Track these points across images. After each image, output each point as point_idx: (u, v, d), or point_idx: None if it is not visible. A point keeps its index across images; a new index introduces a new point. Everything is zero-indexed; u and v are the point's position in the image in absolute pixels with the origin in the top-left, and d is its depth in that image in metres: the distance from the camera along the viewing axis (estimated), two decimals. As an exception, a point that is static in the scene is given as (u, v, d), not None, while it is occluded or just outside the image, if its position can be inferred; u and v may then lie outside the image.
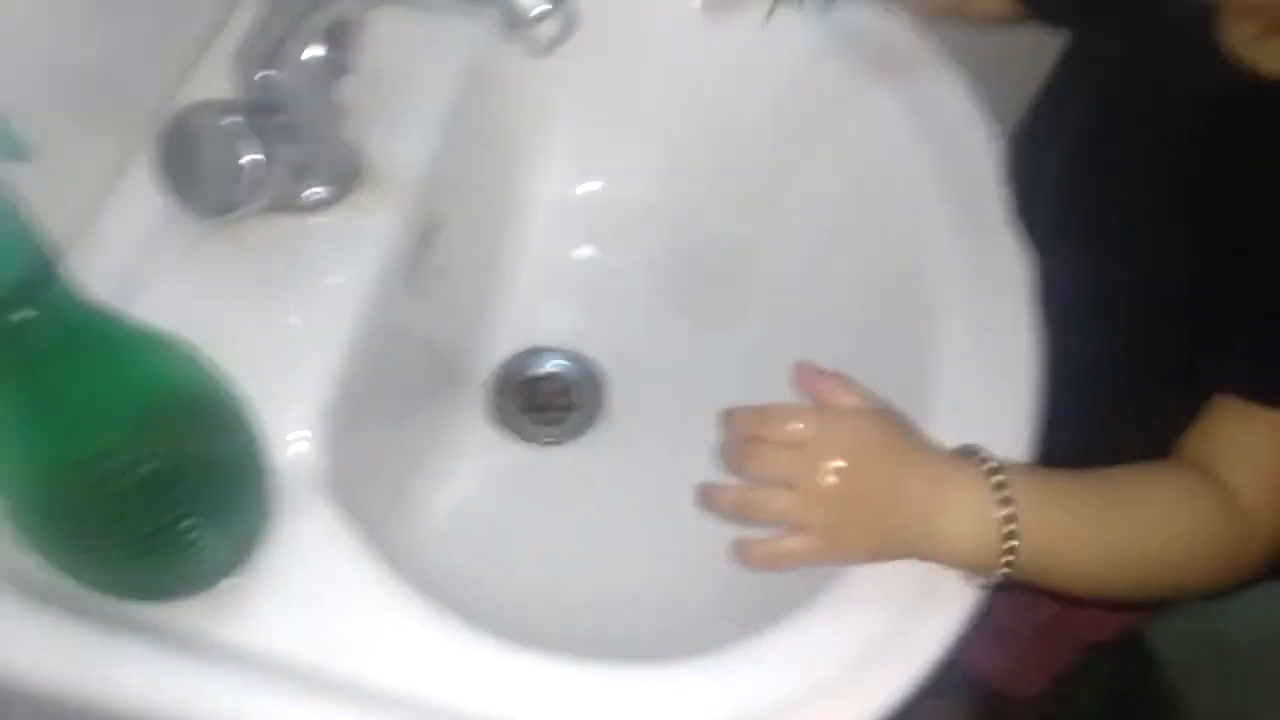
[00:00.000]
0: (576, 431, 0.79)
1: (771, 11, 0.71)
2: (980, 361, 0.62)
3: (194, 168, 0.57)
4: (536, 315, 0.83)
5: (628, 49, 0.81)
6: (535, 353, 0.82)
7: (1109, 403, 0.65)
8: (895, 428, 0.54)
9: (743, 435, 0.53)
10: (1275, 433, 0.54)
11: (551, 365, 0.82)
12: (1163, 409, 0.59)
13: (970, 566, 0.53)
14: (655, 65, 0.82)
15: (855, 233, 0.78)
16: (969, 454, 0.54)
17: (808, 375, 0.54)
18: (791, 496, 0.52)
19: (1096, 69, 0.67)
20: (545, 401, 0.80)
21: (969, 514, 0.52)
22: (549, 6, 0.53)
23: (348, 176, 0.67)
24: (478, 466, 0.77)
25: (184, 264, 0.61)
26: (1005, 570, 0.52)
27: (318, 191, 0.65)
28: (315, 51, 0.62)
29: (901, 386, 0.58)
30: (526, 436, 0.78)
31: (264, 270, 0.62)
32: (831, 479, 0.51)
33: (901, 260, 0.73)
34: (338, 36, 0.63)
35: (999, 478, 0.52)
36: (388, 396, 0.68)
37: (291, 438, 0.56)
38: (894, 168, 0.75)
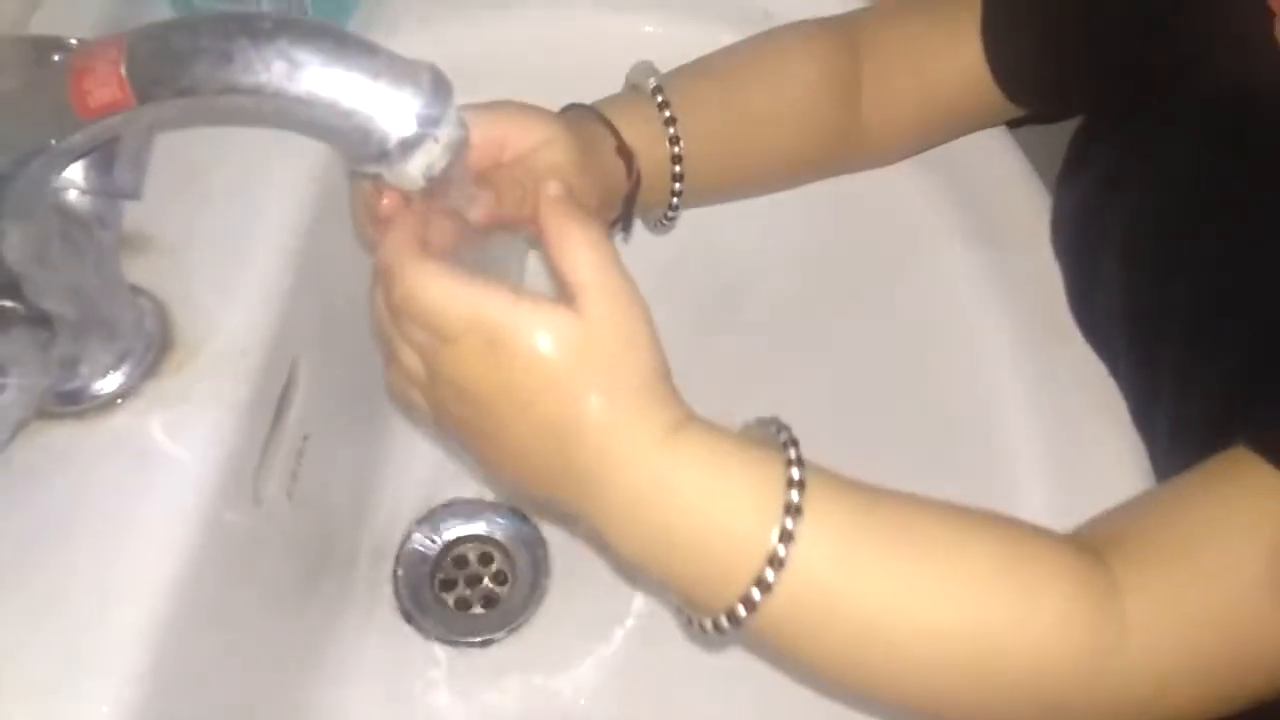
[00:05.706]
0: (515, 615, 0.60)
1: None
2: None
3: None
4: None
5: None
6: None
7: None
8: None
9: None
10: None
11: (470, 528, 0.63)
12: None
13: (691, 580, 0.37)
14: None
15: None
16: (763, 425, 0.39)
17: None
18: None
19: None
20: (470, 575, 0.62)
21: (749, 501, 0.36)
22: (418, 131, 0.34)
23: (148, 351, 0.47)
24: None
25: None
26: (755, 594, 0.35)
27: (104, 382, 0.46)
28: (64, 189, 0.43)
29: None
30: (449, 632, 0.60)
31: (21, 523, 0.42)
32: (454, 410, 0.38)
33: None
34: (104, 158, 0.44)
35: (794, 452, 0.36)
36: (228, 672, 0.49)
37: None
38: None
